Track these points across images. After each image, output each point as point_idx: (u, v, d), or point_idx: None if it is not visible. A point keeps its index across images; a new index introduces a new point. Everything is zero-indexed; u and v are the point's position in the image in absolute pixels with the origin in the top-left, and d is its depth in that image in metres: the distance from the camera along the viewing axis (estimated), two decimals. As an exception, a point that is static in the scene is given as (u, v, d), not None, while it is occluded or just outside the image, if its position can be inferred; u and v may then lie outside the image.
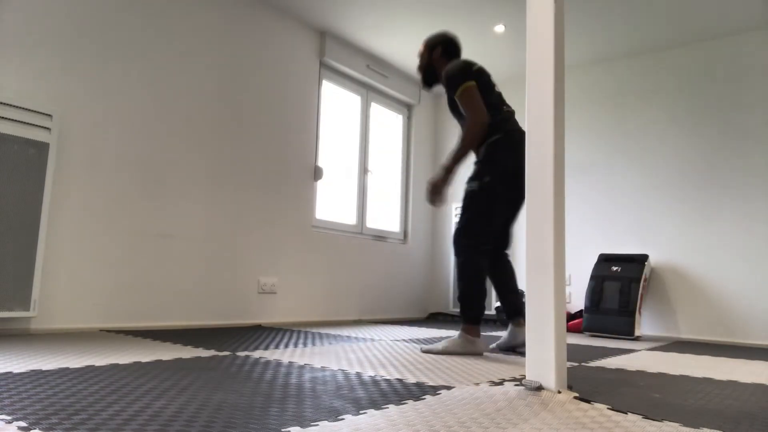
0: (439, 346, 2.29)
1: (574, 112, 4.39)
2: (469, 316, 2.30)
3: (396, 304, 4.59)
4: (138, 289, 2.87)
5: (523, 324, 2.52)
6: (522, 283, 4.46)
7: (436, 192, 2.41)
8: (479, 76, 2.45)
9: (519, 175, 2.35)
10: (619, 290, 3.70)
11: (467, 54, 4.31)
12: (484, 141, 2.44)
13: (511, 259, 2.65)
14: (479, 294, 2.32)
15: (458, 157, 2.38)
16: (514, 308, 2.53)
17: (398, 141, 4.86)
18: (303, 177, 3.82)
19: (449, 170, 2.39)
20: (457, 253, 2.39)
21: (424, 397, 1.37)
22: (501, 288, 2.57)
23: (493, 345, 2.56)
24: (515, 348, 2.50)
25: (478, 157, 2.46)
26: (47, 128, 2.46)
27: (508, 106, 2.53)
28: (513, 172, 2.37)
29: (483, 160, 2.42)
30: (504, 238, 2.60)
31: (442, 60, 2.61)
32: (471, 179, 2.42)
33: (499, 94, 2.53)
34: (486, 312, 4.37)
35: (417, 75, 4.75)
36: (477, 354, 2.27)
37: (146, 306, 2.89)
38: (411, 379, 1.63)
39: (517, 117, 2.55)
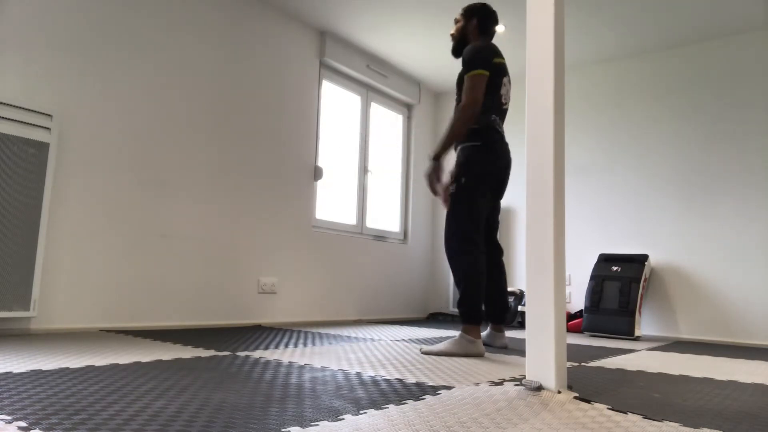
0: (439, 347, 2.29)
1: (574, 112, 4.39)
2: (468, 317, 2.30)
3: (396, 304, 4.59)
4: (138, 289, 2.87)
5: (503, 330, 2.65)
6: (522, 283, 4.46)
7: (433, 182, 2.41)
8: (494, 70, 2.45)
9: (493, 177, 2.45)
10: (619, 290, 3.70)
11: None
12: (462, 142, 2.46)
13: (504, 264, 2.72)
14: (478, 295, 2.33)
15: (447, 144, 2.38)
16: (498, 314, 2.64)
17: (398, 141, 4.86)
18: (303, 177, 3.82)
19: (438, 158, 2.39)
20: (451, 258, 2.39)
21: (424, 397, 1.37)
22: (493, 292, 2.64)
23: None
24: (493, 346, 2.62)
25: (456, 160, 2.48)
26: (47, 128, 2.46)
27: (502, 114, 2.53)
28: (489, 174, 2.43)
29: (459, 162, 2.45)
30: (492, 243, 2.65)
31: (475, 33, 2.59)
32: (450, 183, 2.44)
33: (500, 100, 2.50)
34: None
35: (417, 76, 4.76)
36: (477, 355, 2.27)
37: (146, 306, 2.89)
38: (411, 379, 1.63)
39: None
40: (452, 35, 2.66)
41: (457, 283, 2.37)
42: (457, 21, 2.66)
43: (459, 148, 2.49)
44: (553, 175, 1.44)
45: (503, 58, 2.53)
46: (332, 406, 1.23)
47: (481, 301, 2.33)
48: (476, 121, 2.42)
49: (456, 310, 4.72)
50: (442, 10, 3.67)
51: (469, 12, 2.62)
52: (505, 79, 2.52)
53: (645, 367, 2.17)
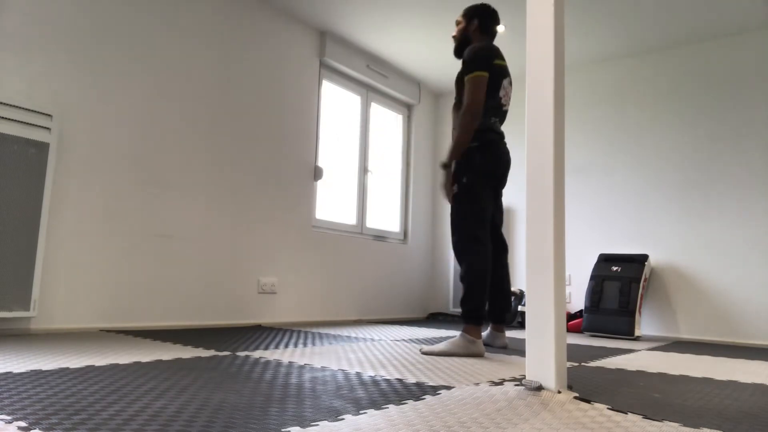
0: (439, 347, 2.29)
1: (574, 112, 4.39)
2: (470, 317, 2.31)
3: (396, 304, 4.59)
4: (138, 289, 2.87)
5: (503, 330, 2.66)
6: (522, 283, 4.46)
7: (448, 190, 2.47)
8: (493, 72, 2.45)
9: (493, 176, 2.47)
10: (619, 290, 3.70)
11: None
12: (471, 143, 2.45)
13: (508, 264, 2.71)
14: (480, 296, 2.33)
15: (457, 151, 2.42)
16: (499, 314, 2.65)
17: (398, 141, 4.86)
18: (303, 177, 3.82)
19: (449, 165, 2.46)
20: (460, 258, 2.41)
21: (424, 397, 1.37)
22: (496, 292, 2.65)
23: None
24: (493, 346, 2.63)
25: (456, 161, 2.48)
26: (47, 128, 2.46)
27: (501, 116, 2.53)
28: (488, 173, 2.44)
29: (459, 162, 2.46)
30: (497, 241, 2.65)
31: (477, 34, 2.60)
32: (451, 184, 2.45)
33: (499, 101, 2.51)
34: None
35: (417, 76, 4.76)
36: (477, 355, 2.27)
37: (146, 306, 2.89)
38: (411, 379, 1.63)
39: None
40: (454, 37, 2.67)
41: (462, 281, 2.38)
42: (458, 23, 2.67)
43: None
44: (553, 175, 1.44)
45: (504, 60, 2.53)
46: (332, 406, 1.23)
47: (484, 301, 2.33)
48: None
49: (455, 310, 4.72)
50: (442, 10, 3.67)
51: (469, 13, 2.63)
52: (505, 81, 2.51)
53: (645, 367, 2.17)
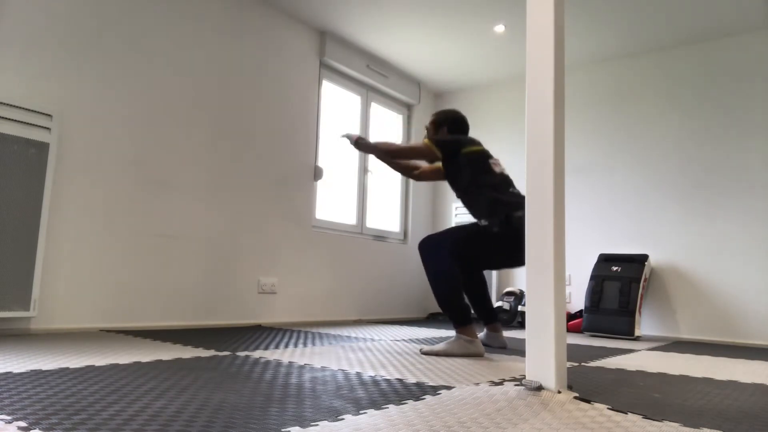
0: (439, 347, 2.29)
1: (574, 112, 4.39)
2: (458, 319, 2.30)
3: (396, 304, 4.59)
4: (138, 289, 2.87)
5: (500, 329, 2.66)
6: (522, 283, 4.46)
7: (355, 141, 2.78)
8: (465, 155, 2.45)
9: (508, 245, 2.36)
10: (619, 290, 3.70)
11: (466, 51, 4.31)
12: (507, 212, 2.36)
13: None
14: (457, 296, 2.32)
15: (372, 149, 2.74)
16: (489, 315, 2.68)
17: (398, 141, 4.86)
18: (303, 177, 3.82)
19: (364, 146, 2.77)
20: (429, 257, 2.36)
21: (424, 397, 1.37)
22: (475, 298, 2.67)
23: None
24: (492, 346, 2.64)
25: (494, 216, 2.40)
26: (47, 128, 2.46)
27: (511, 183, 2.50)
28: (507, 239, 2.35)
29: (501, 220, 2.36)
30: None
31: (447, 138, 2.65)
32: (483, 218, 2.40)
33: (503, 176, 2.49)
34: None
35: (417, 76, 4.76)
36: (477, 354, 2.27)
37: (146, 306, 2.89)
38: (411, 379, 1.63)
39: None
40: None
41: (437, 287, 2.34)
42: (427, 129, 2.74)
43: (504, 213, 2.38)
44: (553, 175, 1.44)
45: (480, 146, 2.53)
46: (332, 406, 1.23)
47: (461, 300, 2.32)
48: (500, 200, 2.39)
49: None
50: (443, 10, 3.67)
51: (438, 120, 2.71)
52: (491, 161, 2.50)
53: (645, 367, 2.17)
